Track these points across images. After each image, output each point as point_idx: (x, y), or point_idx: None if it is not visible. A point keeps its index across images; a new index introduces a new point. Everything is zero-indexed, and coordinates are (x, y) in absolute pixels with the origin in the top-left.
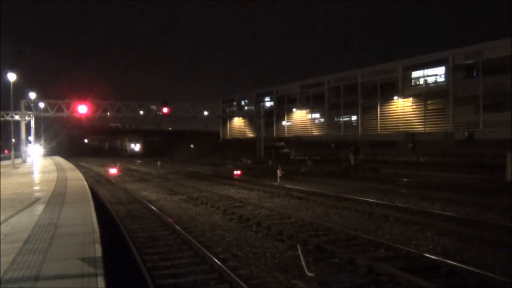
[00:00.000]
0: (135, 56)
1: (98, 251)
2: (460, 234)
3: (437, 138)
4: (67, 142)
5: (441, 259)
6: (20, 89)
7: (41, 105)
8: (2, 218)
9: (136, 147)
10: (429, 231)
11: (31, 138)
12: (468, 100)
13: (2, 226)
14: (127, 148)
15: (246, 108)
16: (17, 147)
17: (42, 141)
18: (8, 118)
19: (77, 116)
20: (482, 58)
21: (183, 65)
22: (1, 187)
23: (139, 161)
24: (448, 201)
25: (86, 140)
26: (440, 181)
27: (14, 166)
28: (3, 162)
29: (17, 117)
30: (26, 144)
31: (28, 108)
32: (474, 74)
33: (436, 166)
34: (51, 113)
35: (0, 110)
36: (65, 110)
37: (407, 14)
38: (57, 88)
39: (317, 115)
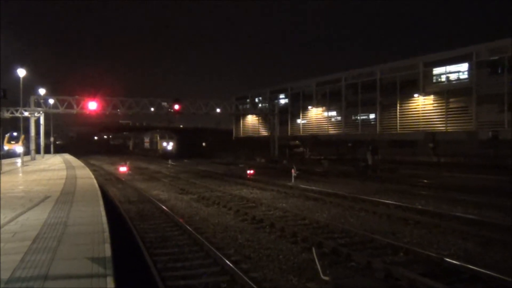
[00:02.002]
0: (146, 53)
1: (107, 251)
2: (482, 238)
3: (459, 138)
4: (77, 140)
5: (462, 264)
6: (30, 85)
7: (51, 101)
8: (12, 215)
9: (169, 146)
10: (450, 235)
11: (41, 134)
12: (492, 98)
13: (11, 224)
14: (159, 147)
15: (260, 105)
16: (26, 144)
17: (52, 138)
18: (18, 114)
19: (87, 112)
20: (507, 54)
21: (196, 61)
22: (11, 185)
23: (172, 163)
24: (470, 203)
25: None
26: (462, 182)
27: (24, 164)
28: (11, 160)
29: (26, 114)
30: (37, 141)
31: (38, 104)
32: (499, 71)
33: (457, 167)
34: (60, 110)
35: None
36: (75, 106)
37: (427, 10)
38: (67, 84)
39: (333, 113)
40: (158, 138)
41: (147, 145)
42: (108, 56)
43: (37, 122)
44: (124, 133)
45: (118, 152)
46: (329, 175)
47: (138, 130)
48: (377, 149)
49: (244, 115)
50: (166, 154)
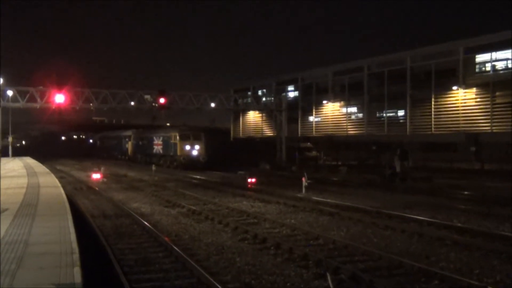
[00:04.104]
0: (127, 38)
1: (77, 276)
2: None
3: (508, 140)
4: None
5: None
6: None
7: (9, 93)
8: None
9: (195, 149)
10: (496, 259)
11: None
12: None
13: None
14: (179, 152)
15: (263, 99)
16: None
17: (10, 139)
18: None
19: (53, 107)
20: None
21: (185, 48)
22: None
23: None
24: None
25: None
26: (510, 194)
27: None
28: None
29: None
30: None
31: None
32: None
33: (505, 176)
34: (21, 104)
35: None
36: (38, 100)
37: None
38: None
39: (354, 109)
40: (177, 137)
41: (158, 148)
42: (82, 42)
43: None
44: (118, 131)
45: (94, 156)
46: (348, 184)
47: (114, 129)
48: (406, 154)
49: (245, 111)
50: (191, 162)
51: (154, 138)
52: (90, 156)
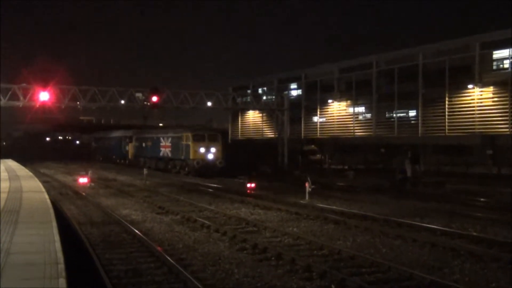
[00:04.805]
0: (118, 32)
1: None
2: None
3: None
4: (25, 142)
5: None
6: None
7: None
8: None
9: (211, 152)
10: None
11: None
12: None
13: None
14: (191, 155)
15: (264, 98)
16: None
17: None
18: None
19: (38, 106)
20: None
21: (180, 43)
22: None
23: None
24: None
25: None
26: None
27: None
28: None
29: None
30: None
31: None
32: None
33: None
34: (2, 102)
35: None
36: (21, 98)
37: None
38: (14, 70)
39: (361, 109)
40: (191, 138)
41: (165, 151)
42: (68, 35)
43: None
44: (116, 131)
45: (86, 159)
46: (354, 190)
47: (104, 130)
48: (418, 157)
49: (244, 110)
50: (206, 168)
51: (161, 139)
52: (81, 159)
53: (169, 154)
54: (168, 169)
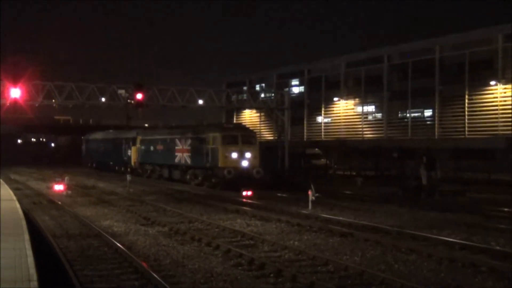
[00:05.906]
0: (99, 21)
1: None
2: None
3: None
4: None
5: None
6: None
7: None
8: None
9: (245, 158)
10: None
11: None
12: None
13: None
14: (220, 162)
15: (262, 95)
16: None
17: None
18: None
19: (8, 104)
20: None
21: (168, 36)
22: None
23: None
24: None
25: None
26: None
27: None
28: None
29: None
30: None
31: None
32: None
33: None
34: None
35: None
36: None
37: None
38: None
39: (371, 108)
40: (219, 140)
41: (183, 156)
42: (45, 26)
43: None
44: (114, 131)
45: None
46: (363, 199)
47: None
48: (434, 162)
49: (240, 109)
50: (240, 178)
51: (177, 141)
52: (57, 164)
53: (188, 161)
54: (186, 180)
